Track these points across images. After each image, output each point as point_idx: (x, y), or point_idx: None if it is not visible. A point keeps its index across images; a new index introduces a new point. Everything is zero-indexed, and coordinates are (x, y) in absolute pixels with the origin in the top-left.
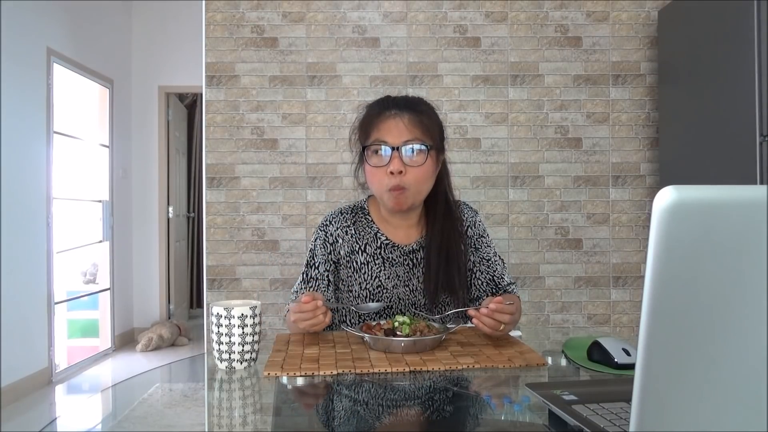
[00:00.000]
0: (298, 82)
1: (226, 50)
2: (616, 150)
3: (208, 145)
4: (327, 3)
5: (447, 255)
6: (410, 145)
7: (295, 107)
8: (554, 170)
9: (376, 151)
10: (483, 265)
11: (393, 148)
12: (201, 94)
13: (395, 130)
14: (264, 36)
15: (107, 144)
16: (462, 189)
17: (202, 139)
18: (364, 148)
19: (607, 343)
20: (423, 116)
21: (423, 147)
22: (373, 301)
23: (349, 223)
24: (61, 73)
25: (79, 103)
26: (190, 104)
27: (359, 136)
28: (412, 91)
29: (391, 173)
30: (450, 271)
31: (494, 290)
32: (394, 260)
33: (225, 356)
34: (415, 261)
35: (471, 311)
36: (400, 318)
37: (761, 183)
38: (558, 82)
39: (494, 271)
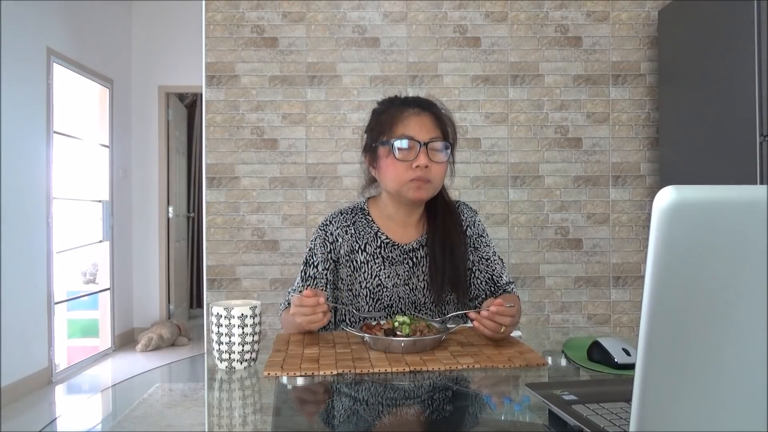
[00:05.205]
0: (298, 82)
1: (226, 50)
2: (616, 150)
3: (208, 145)
4: (327, 3)
5: (451, 248)
6: (435, 143)
7: (295, 107)
8: (554, 170)
9: (402, 146)
10: (482, 264)
11: (420, 144)
12: (201, 94)
13: (422, 126)
14: (264, 36)
15: (107, 144)
16: (462, 189)
17: (202, 139)
18: (391, 143)
19: (607, 343)
20: (443, 116)
21: (446, 145)
22: (373, 301)
23: (348, 222)
24: (61, 73)
25: (79, 102)
26: (190, 104)
27: (379, 132)
28: (412, 91)
29: (417, 167)
30: (455, 262)
31: (493, 289)
32: (394, 259)
33: (225, 356)
34: (415, 260)
35: (471, 314)
36: (400, 318)
37: (761, 183)
38: (558, 82)
39: (493, 271)
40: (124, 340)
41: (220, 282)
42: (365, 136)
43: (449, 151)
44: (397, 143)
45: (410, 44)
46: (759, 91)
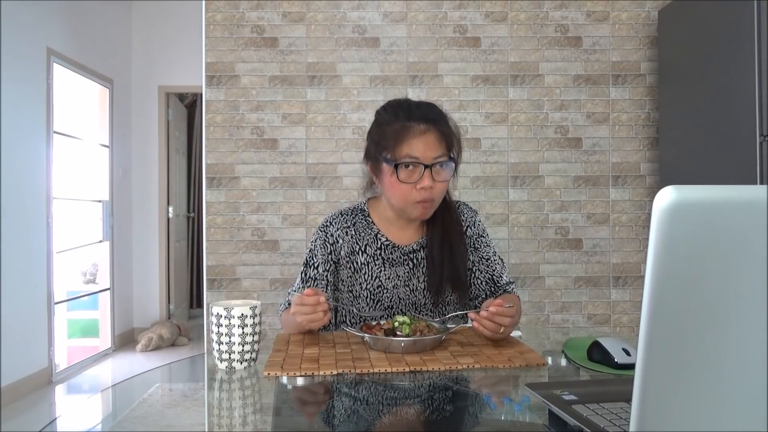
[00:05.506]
0: (298, 82)
1: (226, 50)
2: (616, 150)
3: (208, 145)
4: (327, 3)
5: (450, 248)
6: (440, 162)
7: (295, 107)
8: (554, 170)
9: (407, 167)
10: (482, 264)
11: (425, 166)
12: (201, 94)
13: (427, 146)
14: (264, 36)
15: (107, 144)
16: (462, 189)
17: (202, 139)
18: (395, 165)
19: (607, 343)
20: (448, 130)
21: (451, 163)
22: (373, 302)
23: (349, 224)
24: (61, 73)
25: (79, 102)
26: (190, 104)
27: (383, 147)
28: (411, 91)
29: (422, 188)
30: (454, 262)
31: (493, 289)
32: (395, 260)
33: (225, 356)
34: (415, 261)
35: (471, 314)
36: (400, 318)
37: (761, 183)
38: (558, 82)
39: (493, 271)
40: (124, 340)
41: (220, 282)
42: (367, 140)
43: (453, 164)
44: (401, 165)
45: (410, 44)
46: (759, 91)
